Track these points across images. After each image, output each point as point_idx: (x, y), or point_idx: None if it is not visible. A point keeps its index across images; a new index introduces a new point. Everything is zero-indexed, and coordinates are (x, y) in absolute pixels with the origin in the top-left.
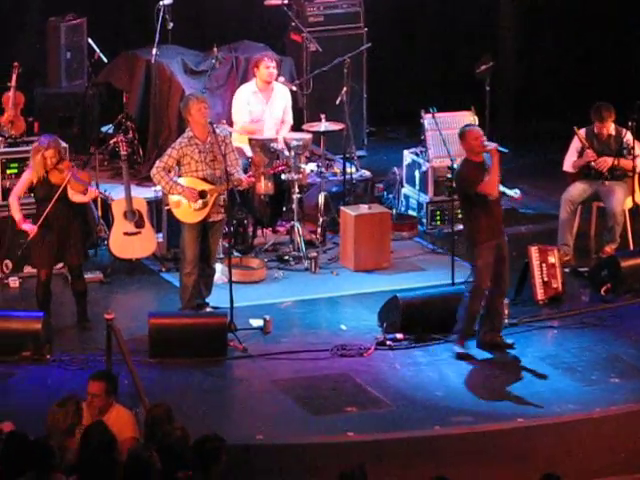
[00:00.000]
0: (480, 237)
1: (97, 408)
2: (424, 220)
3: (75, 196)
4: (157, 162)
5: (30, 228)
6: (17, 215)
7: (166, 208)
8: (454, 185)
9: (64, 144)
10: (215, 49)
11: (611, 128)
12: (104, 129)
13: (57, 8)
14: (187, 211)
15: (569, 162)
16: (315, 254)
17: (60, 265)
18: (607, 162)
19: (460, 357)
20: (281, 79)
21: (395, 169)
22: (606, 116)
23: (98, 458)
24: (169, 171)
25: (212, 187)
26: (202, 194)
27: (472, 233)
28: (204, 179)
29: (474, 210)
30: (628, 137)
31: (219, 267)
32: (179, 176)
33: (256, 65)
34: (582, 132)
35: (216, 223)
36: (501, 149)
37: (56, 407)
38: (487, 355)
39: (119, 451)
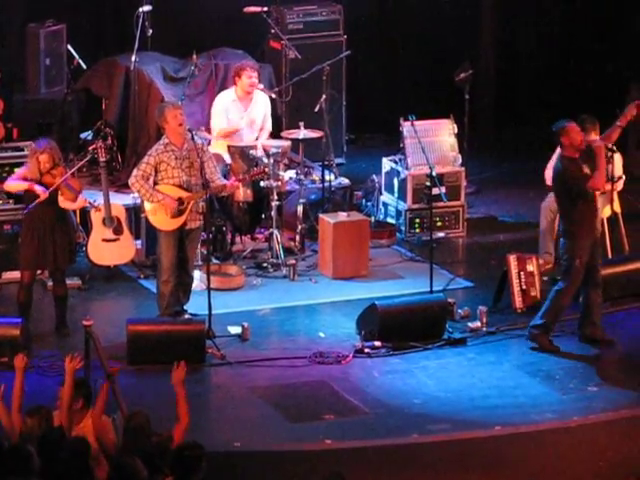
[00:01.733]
0: (582, 232)
1: (65, 412)
2: (403, 228)
3: (64, 203)
4: (134, 171)
5: (42, 190)
6: (24, 184)
7: (142, 216)
8: (556, 182)
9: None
10: (194, 56)
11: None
12: (83, 135)
13: (36, 14)
14: (164, 219)
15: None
16: (294, 261)
17: (39, 271)
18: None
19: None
20: (260, 86)
21: (374, 177)
22: (589, 129)
23: (71, 466)
24: (147, 179)
25: (188, 194)
26: (178, 202)
27: (574, 228)
28: (180, 186)
29: (578, 205)
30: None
31: (197, 274)
32: (155, 183)
33: (238, 74)
34: None
35: (193, 230)
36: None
37: (27, 416)
38: (465, 364)
39: (94, 458)
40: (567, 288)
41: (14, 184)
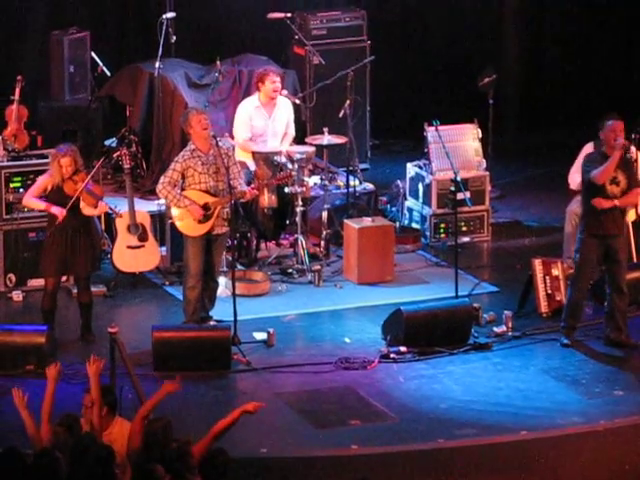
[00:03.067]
0: (586, 226)
1: (89, 420)
2: (427, 233)
3: (86, 209)
4: (162, 177)
5: (59, 211)
6: (42, 204)
7: (169, 221)
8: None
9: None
10: (218, 62)
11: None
12: (107, 142)
13: (60, 22)
14: (190, 224)
15: (577, 180)
16: (319, 267)
17: (64, 278)
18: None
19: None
20: (284, 92)
21: (398, 182)
22: None
23: (96, 473)
24: (174, 185)
25: (215, 200)
26: (205, 207)
27: (582, 221)
28: (207, 191)
29: (588, 198)
30: (632, 149)
31: (222, 280)
32: (182, 189)
33: (261, 80)
34: (590, 147)
35: (220, 236)
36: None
37: (56, 425)
38: (491, 368)
39: (120, 466)
40: (572, 282)
41: (33, 202)
